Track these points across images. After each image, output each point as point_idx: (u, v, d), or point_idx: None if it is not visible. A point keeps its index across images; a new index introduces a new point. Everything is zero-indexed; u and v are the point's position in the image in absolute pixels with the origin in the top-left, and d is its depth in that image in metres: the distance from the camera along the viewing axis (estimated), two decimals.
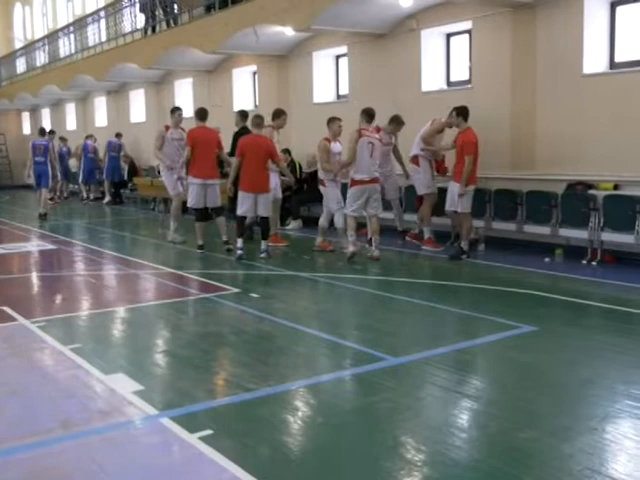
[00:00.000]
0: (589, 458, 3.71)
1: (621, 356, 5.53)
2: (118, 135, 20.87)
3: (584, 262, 9.03)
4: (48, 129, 19.87)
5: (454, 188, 9.63)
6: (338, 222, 10.34)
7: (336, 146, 10.45)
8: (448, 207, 9.84)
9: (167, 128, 11.97)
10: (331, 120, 10.50)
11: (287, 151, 14.06)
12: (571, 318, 6.77)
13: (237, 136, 12.17)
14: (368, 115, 9.85)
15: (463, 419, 4.38)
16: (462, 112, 9.65)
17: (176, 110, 12.14)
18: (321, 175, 10.57)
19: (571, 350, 5.76)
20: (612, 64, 9.67)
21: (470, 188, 9.55)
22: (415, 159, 10.71)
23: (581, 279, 8.26)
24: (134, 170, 20.31)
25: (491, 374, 5.26)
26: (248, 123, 11.53)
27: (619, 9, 9.59)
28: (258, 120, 10.28)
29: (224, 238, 10.98)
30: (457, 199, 9.56)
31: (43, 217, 16.32)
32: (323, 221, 10.70)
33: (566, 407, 4.48)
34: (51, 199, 21.31)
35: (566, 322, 6.65)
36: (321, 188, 10.68)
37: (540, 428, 4.11)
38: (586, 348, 5.79)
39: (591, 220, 9.06)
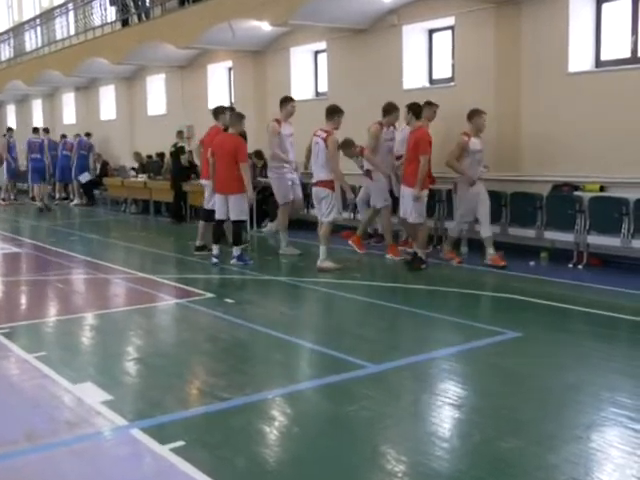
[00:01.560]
0: (574, 468, 3.74)
1: (607, 362, 5.59)
2: (88, 135, 20.72)
3: (570, 265, 9.11)
4: (42, 127, 19.90)
5: (406, 192, 9.28)
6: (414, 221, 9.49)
7: (287, 128, 10.40)
8: (402, 214, 9.45)
9: (278, 122, 10.69)
10: (286, 100, 10.58)
11: (258, 154, 13.91)
12: (556, 323, 6.82)
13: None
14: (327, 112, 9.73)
15: (445, 428, 4.40)
16: (413, 109, 9.29)
17: (289, 101, 10.78)
18: (367, 166, 10.31)
19: (556, 356, 5.81)
20: (598, 62, 9.78)
21: (424, 192, 9.17)
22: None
23: (567, 283, 8.33)
24: (105, 170, 20.15)
25: (474, 381, 5.28)
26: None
27: (605, 6, 9.69)
28: (234, 119, 10.14)
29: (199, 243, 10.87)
30: (410, 206, 9.16)
31: (47, 209, 16.90)
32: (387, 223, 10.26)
33: (551, 415, 4.52)
34: (3, 199, 21.16)
35: (551, 327, 6.70)
36: (367, 182, 10.45)
37: (524, 437, 4.14)
38: (571, 354, 5.84)
39: (577, 222, 9.15)
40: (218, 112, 10.95)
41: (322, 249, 9.37)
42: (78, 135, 20.81)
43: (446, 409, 4.64)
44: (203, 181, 11.06)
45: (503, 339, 6.17)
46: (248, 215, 10.42)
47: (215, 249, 9.94)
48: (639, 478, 3.62)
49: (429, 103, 10.33)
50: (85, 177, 19.98)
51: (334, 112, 9.60)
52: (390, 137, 10.37)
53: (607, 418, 4.42)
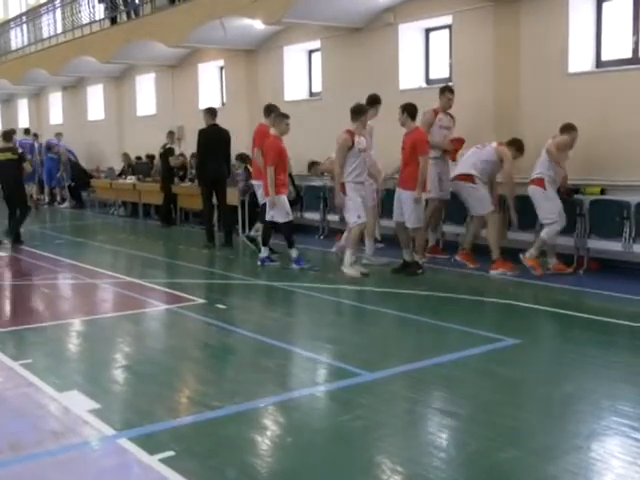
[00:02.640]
0: (574, 478, 3.75)
1: (607, 370, 5.60)
2: (59, 135, 20.72)
3: (570, 270, 9.13)
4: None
5: (404, 196, 9.15)
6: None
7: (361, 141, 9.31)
8: (397, 218, 9.36)
9: (435, 113, 10.06)
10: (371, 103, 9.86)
11: (244, 157, 13.83)
12: (556, 330, 6.84)
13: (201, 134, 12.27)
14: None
15: (442, 437, 4.40)
16: (409, 109, 9.17)
17: (447, 91, 10.14)
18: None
19: (555, 364, 5.83)
20: (598, 63, 9.82)
21: (424, 195, 9.19)
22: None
23: (566, 288, 8.35)
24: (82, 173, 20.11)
25: (471, 389, 5.29)
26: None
27: (606, 5, 9.74)
28: (277, 119, 10.00)
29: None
30: (410, 209, 9.07)
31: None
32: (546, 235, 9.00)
33: (550, 424, 4.52)
34: None
35: (551, 334, 6.72)
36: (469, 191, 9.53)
37: (522, 446, 4.15)
38: (571, 362, 5.85)
39: (577, 226, 9.17)
40: (270, 110, 10.71)
41: (347, 253, 9.25)
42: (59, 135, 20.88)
43: (442, 418, 4.64)
44: (254, 182, 11.30)
45: (501, 346, 6.17)
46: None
47: (264, 251, 10.07)
48: None
49: (446, 89, 10.20)
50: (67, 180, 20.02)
51: (358, 113, 9.24)
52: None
53: (608, 427, 4.43)
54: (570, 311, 7.33)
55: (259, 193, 10.84)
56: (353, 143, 9.03)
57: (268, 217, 9.96)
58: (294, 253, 9.90)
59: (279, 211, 9.84)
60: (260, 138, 10.44)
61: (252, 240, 11.24)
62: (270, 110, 10.67)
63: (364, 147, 9.19)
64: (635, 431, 4.30)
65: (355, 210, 9.18)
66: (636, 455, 4.02)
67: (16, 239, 12.71)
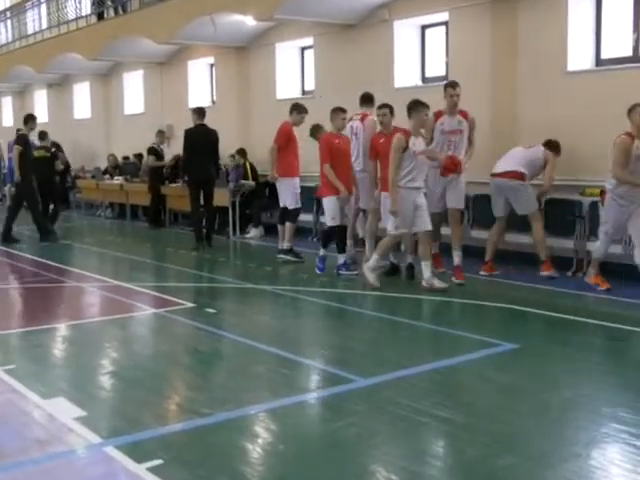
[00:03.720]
0: None
1: (607, 376, 5.63)
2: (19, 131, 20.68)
3: (569, 273, 9.16)
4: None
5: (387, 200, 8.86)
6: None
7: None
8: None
9: (437, 116, 9.22)
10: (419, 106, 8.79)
11: (242, 152, 14.03)
12: (555, 335, 6.85)
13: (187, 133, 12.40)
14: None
15: (437, 445, 4.42)
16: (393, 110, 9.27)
17: (448, 87, 9.24)
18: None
19: (554, 369, 5.84)
20: (598, 61, 9.86)
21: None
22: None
23: (566, 292, 8.37)
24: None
25: (468, 395, 5.30)
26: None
27: (605, 2, 9.78)
28: (334, 114, 9.70)
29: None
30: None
31: None
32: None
33: (548, 430, 4.54)
34: None
35: (549, 339, 6.73)
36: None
37: (519, 453, 4.16)
38: (570, 367, 5.87)
39: (576, 228, 9.20)
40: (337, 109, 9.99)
41: (373, 258, 8.86)
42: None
43: (438, 425, 4.65)
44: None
45: (499, 351, 6.19)
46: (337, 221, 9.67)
47: (340, 258, 9.61)
48: None
49: (447, 85, 9.39)
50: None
51: (413, 109, 8.68)
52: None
53: (608, 434, 4.45)
54: (570, 315, 7.35)
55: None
56: (407, 144, 8.44)
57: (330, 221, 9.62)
58: (321, 251, 9.68)
59: (327, 214, 9.67)
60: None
61: (288, 252, 10.77)
62: (337, 110, 9.83)
63: (420, 149, 8.56)
64: (635, 438, 4.32)
65: (395, 219, 8.57)
66: (636, 463, 4.03)
67: (45, 234, 13.29)
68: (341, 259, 9.56)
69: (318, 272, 9.56)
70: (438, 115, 9.05)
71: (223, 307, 8.20)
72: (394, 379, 5.50)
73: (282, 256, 10.67)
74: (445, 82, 9.75)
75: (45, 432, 4.53)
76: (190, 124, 12.60)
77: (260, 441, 4.44)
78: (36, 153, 14.00)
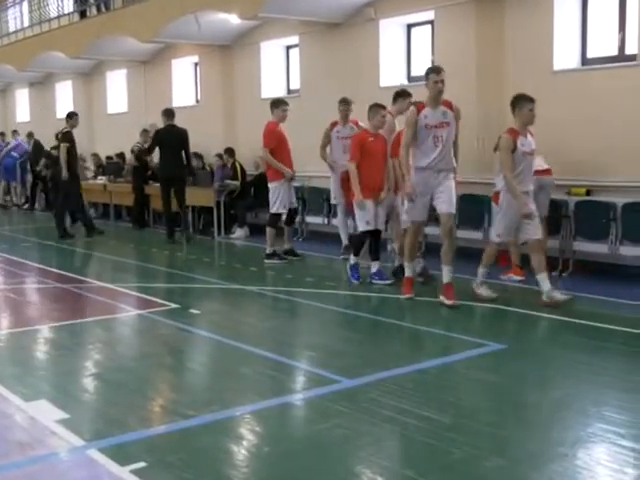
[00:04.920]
0: None
1: (594, 376, 5.65)
2: (15, 132, 20.72)
3: (555, 273, 9.19)
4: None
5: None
6: None
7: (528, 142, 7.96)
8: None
9: (419, 109, 7.99)
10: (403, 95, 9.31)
11: (230, 151, 14.05)
12: (541, 335, 6.89)
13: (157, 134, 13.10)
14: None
15: (423, 446, 4.42)
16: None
17: (431, 72, 7.98)
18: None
19: (541, 369, 5.86)
20: (584, 60, 9.92)
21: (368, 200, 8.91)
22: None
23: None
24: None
25: (454, 396, 5.30)
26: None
27: (591, 1, 9.83)
28: (373, 111, 9.02)
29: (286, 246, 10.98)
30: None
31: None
32: None
33: (535, 432, 4.55)
34: None
35: (536, 339, 6.76)
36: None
37: (507, 455, 4.17)
38: (557, 367, 5.89)
39: (562, 228, 9.24)
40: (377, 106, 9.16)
41: (480, 272, 8.07)
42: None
43: (424, 426, 4.65)
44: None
45: (485, 351, 6.21)
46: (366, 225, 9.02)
47: (374, 266, 9.02)
48: None
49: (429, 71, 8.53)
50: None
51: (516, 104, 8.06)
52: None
53: (594, 434, 4.47)
54: (556, 315, 7.37)
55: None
56: (516, 145, 7.73)
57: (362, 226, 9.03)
58: (352, 259, 9.10)
59: (358, 217, 9.06)
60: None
61: (287, 253, 10.88)
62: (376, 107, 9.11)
63: (530, 149, 7.86)
64: (621, 438, 4.34)
65: (503, 223, 7.96)
66: (622, 462, 4.05)
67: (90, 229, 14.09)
68: (375, 267, 9.01)
69: (353, 282, 8.97)
70: (419, 109, 7.86)
71: (208, 308, 8.18)
72: (380, 380, 5.50)
73: (267, 260, 10.63)
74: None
75: (27, 435, 4.50)
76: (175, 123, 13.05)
77: (245, 443, 4.43)
78: (53, 152, 14.96)
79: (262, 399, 5.19)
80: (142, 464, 4.00)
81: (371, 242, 9.05)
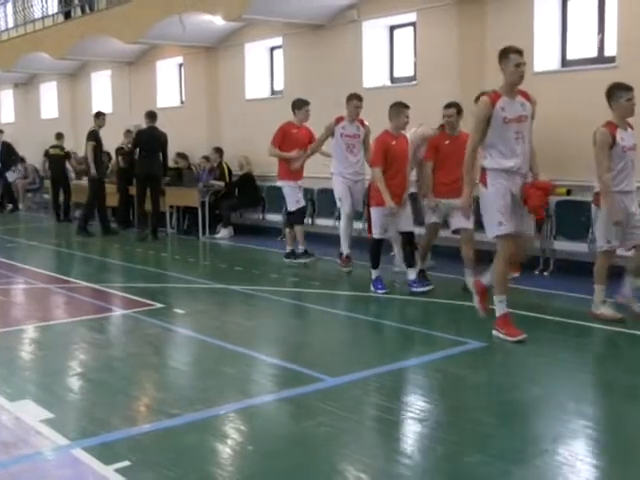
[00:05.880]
0: None
1: (573, 373, 5.69)
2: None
3: (536, 272, 9.24)
4: None
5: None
6: None
7: None
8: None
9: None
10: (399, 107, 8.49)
11: (219, 151, 14.05)
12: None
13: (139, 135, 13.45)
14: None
15: (406, 443, 4.44)
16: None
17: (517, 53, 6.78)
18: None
19: (521, 366, 5.90)
20: (564, 61, 9.97)
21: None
22: None
23: (533, 290, 8.45)
24: None
25: (436, 393, 5.33)
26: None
27: (571, 3, 9.89)
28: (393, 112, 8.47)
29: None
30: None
31: None
32: None
33: (516, 427, 4.59)
34: None
35: None
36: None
37: (488, 451, 4.19)
38: (537, 364, 5.92)
39: (543, 228, 9.29)
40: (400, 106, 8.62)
41: (597, 289, 7.16)
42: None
43: (407, 423, 4.68)
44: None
45: (467, 349, 6.24)
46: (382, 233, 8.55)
47: (411, 273, 8.47)
48: None
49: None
50: (12, 176, 19.86)
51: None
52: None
53: (573, 430, 4.50)
54: (537, 313, 7.42)
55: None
56: (615, 139, 6.92)
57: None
58: (373, 273, 8.52)
59: (374, 224, 8.54)
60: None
61: (303, 254, 10.37)
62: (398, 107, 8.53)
63: (632, 144, 7.02)
64: (599, 433, 4.38)
65: (605, 231, 7.00)
66: (600, 457, 4.09)
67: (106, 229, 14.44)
68: (412, 274, 8.43)
69: (379, 292, 8.39)
70: (494, 98, 6.49)
71: (192, 307, 8.16)
72: (363, 378, 5.51)
73: (288, 260, 10.33)
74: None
75: (12, 435, 4.47)
76: (157, 125, 13.46)
77: (229, 441, 4.43)
78: (51, 151, 16.44)
79: (246, 398, 5.19)
80: (126, 463, 3.99)
81: (405, 247, 8.60)
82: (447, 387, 5.49)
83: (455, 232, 8.58)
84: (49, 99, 21.85)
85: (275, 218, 13.15)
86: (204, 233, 13.36)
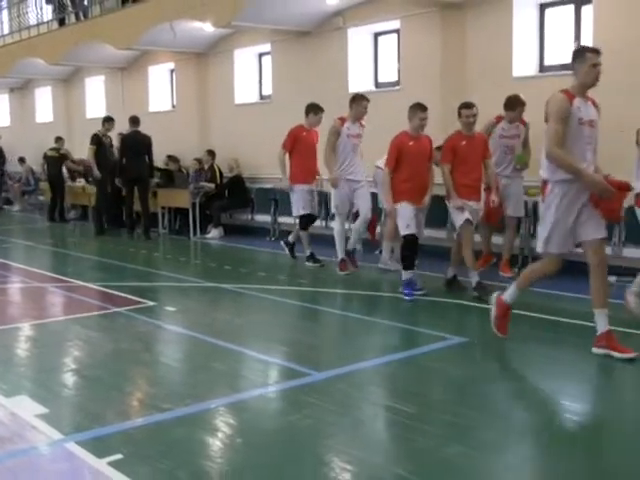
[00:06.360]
0: (517, 472, 3.83)
1: (551, 367, 5.72)
2: None
3: (516, 270, 9.26)
4: None
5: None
6: None
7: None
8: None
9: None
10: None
11: (211, 153, 14.04)
12: None
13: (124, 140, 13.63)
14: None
15: (389, 435, 4.46)
16: None
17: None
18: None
19: (500, 361, 5.93)
20: (542, 67, 10.04)
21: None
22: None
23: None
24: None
25: (419, 387, 5.35)
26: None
27: (548, 11, 9.95)
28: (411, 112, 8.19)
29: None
30: None
31: None
32: None
33: (494, 420, 4.61)
34: None
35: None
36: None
37: (467, 442, 4.21)
38: (516, 359, 5.96)
39: (522, 227, 9.33)
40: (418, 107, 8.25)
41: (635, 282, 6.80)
42: None
43: (389, 415, 4.70)
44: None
45: (448, 344, 6.26)
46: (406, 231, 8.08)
47: (406, 274, 8.04)
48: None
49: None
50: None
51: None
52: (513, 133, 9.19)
53: (550, 422, 4.53)
54: (515, 310, 7.42)
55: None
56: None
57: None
58: (404, 275, 8.04)
59: (400, 225, 8.12)
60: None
61: (309, 258, 10.16)
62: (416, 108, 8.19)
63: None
64: (574, 425, 4.42)
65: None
66: (574, 448, 4.12)
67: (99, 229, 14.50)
68: (406, 275, 8.02)
69: (407, 298, 7.92)
70: (570, 97, 5.80)
71: (183, 305, 8.16)
72: (348, 372, 5.53)
73: (306, 264, 10.11)
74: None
75: (7, 430, 4.46)
76: (147, 129, 13.55)
77: (219, 435, 4.43)
78: (49, 153, 16.75)
79: (235, 392, 5.20)
80: (119, 456, 3.99)
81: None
82: (429, 381, 5.52)
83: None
84: (44, 103, 21.75)
85: (264, 218, 13.15)
86: (195, 233, 13.35)
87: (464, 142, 8.03)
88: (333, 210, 9.76)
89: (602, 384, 5.46)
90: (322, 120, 10.10)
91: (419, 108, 8.07)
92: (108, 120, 14.53)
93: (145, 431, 4.46)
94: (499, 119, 9.12)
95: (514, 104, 9.00)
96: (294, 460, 4.02)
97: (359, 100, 9.35)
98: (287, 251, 10.50)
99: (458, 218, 8.01)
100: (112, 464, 3.89)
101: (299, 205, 10.07)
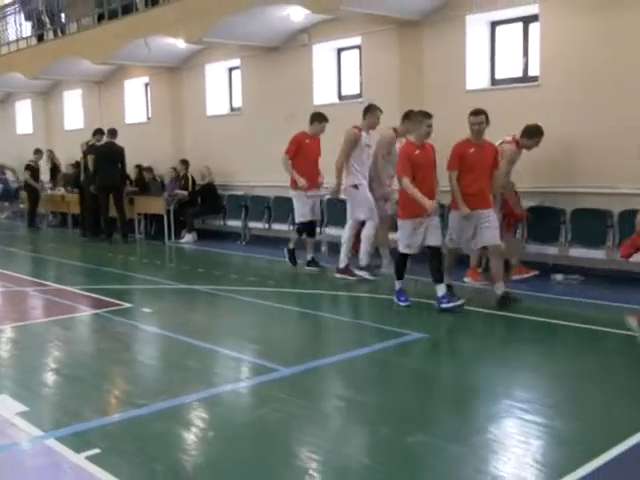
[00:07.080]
0: (476, 458, 3.85)
1: (506, 361, 5.77)
2: None
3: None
4: None
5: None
6: None
7: None
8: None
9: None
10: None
11: (185, 162, 13.96)
12: (461, 325, 6.96)
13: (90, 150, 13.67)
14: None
15: (354, 426, 4.45)
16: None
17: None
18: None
19: (459, 356, 5.96)
20: (493, 80, 10.14)
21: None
22: None
23: (478, 287, 8.45)
24: None
25: (381, 381, 5.36)
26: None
27: (499, 28, 10.06)
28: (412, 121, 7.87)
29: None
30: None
31: None
32: None
33: (454, 410, 4.63)
34: None
35: (456, 329, 6.85)
36: None
37: (429, 431, 4.23)
38: (473, 354, 5.99)
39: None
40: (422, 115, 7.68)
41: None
42: None
43: (354, 408, 4.69)
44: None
45: (409, 340, 6.28)
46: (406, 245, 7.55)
47: (440, 290, 7.33)
48: (532, 465, 3.75)
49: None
50: None
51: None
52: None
53: (504, 410, 4.57)
54: (476, 307, 7.46)
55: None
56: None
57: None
58: (397, 285, 7.65)
59: (400, 239, 7.56)
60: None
61: (310, 263, 9.83)
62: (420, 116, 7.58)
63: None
64: (526, 413, 4.45)
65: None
66: (527, 434, 4.15)
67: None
68: (440, 290, 7.32)
69: (402, 304, 7.55)
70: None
71: (158, 307, 8.08)
72: (314, 368, 5.53)
73: (306, 268, 9.78)
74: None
75: None
76: (124, 140, 13.46)
77: (193, 429, 4.39)
78: (31, 164, 16.74)
79: (208, 388, 5.15)
80: (96, 450, 3.94)
81: (431, 262, 7.35)
82: (390, 375, 5.51)
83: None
84: (24, 116, 21.45)
85: (235, 224, 13.10)
86: (170, 238, 13.25)
87: (472, 149, 7.54)
88: (362, 218, 9.09)
89: (554, 374, 5.51)
90: (296, 130, 9.85)
91: (425, 116, 7.38)
92: (99, 132, 14.34)
93: (122, 426, 4.41)
94: (517, 144, 8.51)
95: (534, 134, 8.48)
96: (264, 452, 4.00)
97: (373, 110, 9.08)
98: (287, 258, 9.95)
99: (449, 233, 7.71)
100: (90, 458, 3.84)
101: (299, 212, 9.75)
